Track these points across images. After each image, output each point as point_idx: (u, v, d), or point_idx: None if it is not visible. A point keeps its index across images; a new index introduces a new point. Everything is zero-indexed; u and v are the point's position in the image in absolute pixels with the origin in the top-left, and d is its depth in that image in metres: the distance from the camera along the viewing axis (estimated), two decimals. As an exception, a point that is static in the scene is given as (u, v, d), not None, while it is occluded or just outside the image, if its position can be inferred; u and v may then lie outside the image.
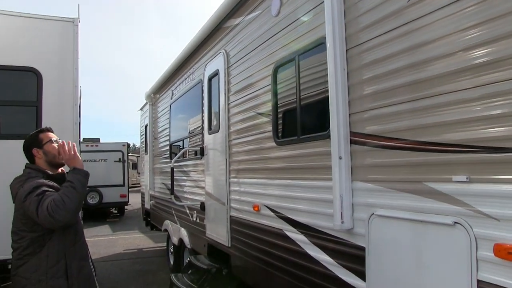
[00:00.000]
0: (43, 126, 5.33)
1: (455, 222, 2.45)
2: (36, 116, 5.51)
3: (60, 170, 3.53)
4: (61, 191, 3.12)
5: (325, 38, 3.53)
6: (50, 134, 3.55)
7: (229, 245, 5.63)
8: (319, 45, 3.70)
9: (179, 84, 8.49)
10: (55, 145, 3.45)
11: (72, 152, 3.35)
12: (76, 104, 5.60)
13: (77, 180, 3.20)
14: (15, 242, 3.24)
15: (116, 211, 20.40)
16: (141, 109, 13.10)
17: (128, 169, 19.04)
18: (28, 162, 3.48)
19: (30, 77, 5.51)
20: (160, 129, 10.27)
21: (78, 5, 5.64)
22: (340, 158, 3.27)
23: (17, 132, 5.54)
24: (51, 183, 3.26)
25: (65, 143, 3.39)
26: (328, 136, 3.51)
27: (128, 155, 19.48)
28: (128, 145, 19.85)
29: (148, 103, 11.14)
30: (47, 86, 5.53)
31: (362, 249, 3.15)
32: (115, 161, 18.10)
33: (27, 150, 3.47)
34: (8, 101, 5.51)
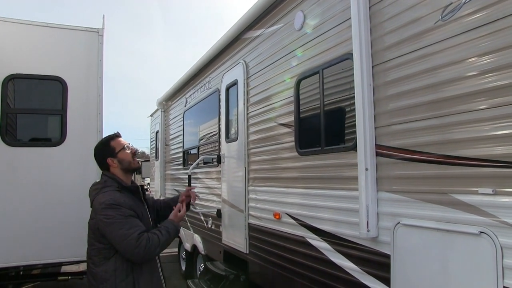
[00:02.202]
0: (69, 134, 5.54)
1: (481, 232, 2.59)
2: (61, 124, 5.68)
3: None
4: (159, 232, 3.27)
5: (350, 53, 3.70)
6: (122, 140, 3.54)
7: (247, 252, 5.77)
8: (345, 60, 3.86)
9: (194, 92, 8.66)
10: (128, 151, 3.48)
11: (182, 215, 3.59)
12: (100, 113, 5.77)
13: (173, 233, 3.40)
14: (88, 247, 3.39)
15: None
16: (151, 115, 13.25)
17: (135, 174, 19.14)
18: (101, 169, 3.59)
19: (56, 86, 5.68)
20: (172, 136, 10.43)
21: (104, 15, 5.84)
22: (366, 169, 3.42)
23: (43, 139, 5.73)
24: (127, 199, 3.30)
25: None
26: (353, 148, 3.67)
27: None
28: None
29: (160, 109, 11.29)
30: (72, 95, 5.70)
31: (387, 256, 3.30)
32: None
33: (101, 160, 3.50)
34: (35, 109, 5.68)
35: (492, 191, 2.54)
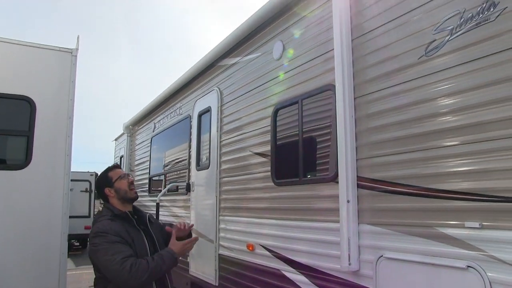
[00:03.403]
0: (35, 157, 5.30)
1: (468, 266, 2.58)
2: (27, 146, 5.42)
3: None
4: (150, 258, 3.23)
5: (331, 84, 3.71)
6: (119, 170, 3.64)
7: (217, 284, 5.62)
8: (326, 91, 3.86)
9: (163, 118, 8.54)
10: (125, 180, 3.54)
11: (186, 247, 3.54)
12: (69, 136, 5.54)
13: (169, 261, 3.32)
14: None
15: (78, 244, 19.78)
16: (116, 139, 13.01)
17: (94, 200, 18.64)
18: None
19: (24, 106, 5.44)
20: (138, 161, 10.22)
21: (78, 36, 5.66)
22: (348, 201, 3.38)
23: (4, 161, 5.47)
24: (117, 226, 3.30)
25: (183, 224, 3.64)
26: (333, 179, 3.64)
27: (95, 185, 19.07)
28: (96, 174, 19.48)
29: (126, 134, 11.09)
30: (40, 116, 5.44)
31: (370, 291, 3.25)
32: (81, 191, 17.72)
33: (100, 191, 3.58)
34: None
35: (479, 225, 2.54)
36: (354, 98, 3.51)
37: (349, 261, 3.35)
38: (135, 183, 3.76)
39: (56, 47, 5.61)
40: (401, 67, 3.10)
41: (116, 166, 3.75)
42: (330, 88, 3.78)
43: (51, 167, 5.41)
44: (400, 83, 3.11)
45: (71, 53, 5.64)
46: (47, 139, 5.44)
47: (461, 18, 2.65)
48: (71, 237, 17.97)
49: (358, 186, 3.42)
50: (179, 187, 7.36)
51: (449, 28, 2.72)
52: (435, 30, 2.82)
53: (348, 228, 3.38)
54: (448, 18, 2.74)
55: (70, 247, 19.24)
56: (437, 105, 2.82)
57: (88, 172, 18.52)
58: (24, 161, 5.33)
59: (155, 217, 4.11)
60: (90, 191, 18.07)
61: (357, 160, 3.45)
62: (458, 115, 2.69)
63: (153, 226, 3.68)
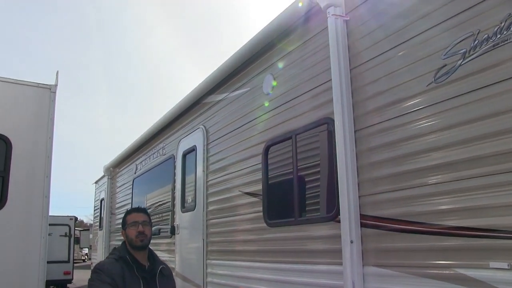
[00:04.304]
0: (11, 198, 4.94)
1: (493, 313, 2.33)
2: (1, 186, 5.06)
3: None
4: None
5: (329, 117, 3.52)
6: (134, 215, 3.55)
7: (205, 333, 5.25)
8: (322, 125, 3.66)
9: (145, 159, 8.26)
10: (134, 229, 3.41)
11: None
12: (48, 176, 5.21)
13: None
14: None
15: (56, 290, 18.99)
16: (96, 182, 12.63)
17: (74, 244, 18.00)
18: None
19: (-1, 144, 5.12)
20: (119, 204, 9.86)
21: (57, 71, 5.39)
22: (351, 241, 3.13)
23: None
24: (115, 268, 3.24)
25: None
26: (333, 218, 3.41)
27: (75, 229, 18.47)
28: (76, 218, 18.89)
29: (107, 176, 10.74)
30: (16, 155, 5.09)
31: None
32: (60, 235, 17.07)
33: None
34: (-28, 169, 5.06)
35: (508, 265, 2.29)
36: (355, 131, 3.31)
37: (354, 307, 3.08)
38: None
39: (34, 83, 5.33)
40: (407, 96, 2.91)
41: (135, 210, 3.71)
42: (327, 121, 3.58)
43: (27, 209, 5.05)
44: (406, 113, 2.92)
45: (50, 89, 5.36)
46: (24, 180, 5.09)
47: (475, 40, 2.48)
48: (49, 283, 17.16)
49: (361, 225, 3.18)
50: (162, 230, 7.03)
51: (462, 51, 2.55)
52: (444, 55, 2.65)
53: (352, 271, 3.11)
54: (460, 41, 2.57)
55: (47, 295, 18.44)
56: (450, 135, 2.63)
57: (68, 216, 17.94)
58: (-1, 202, 4.97)
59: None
60: (70, 236, 17.42)
61: (359, 197, 3.22)
62: (475, 145, 2.49)
63: (164, 280, 3.52)
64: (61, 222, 17.33)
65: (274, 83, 4.35)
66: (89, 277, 3.25)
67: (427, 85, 2.77)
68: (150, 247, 3.42)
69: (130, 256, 3.40)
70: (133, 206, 8.58)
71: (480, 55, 2.46)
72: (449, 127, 2.64)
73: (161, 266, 3.49)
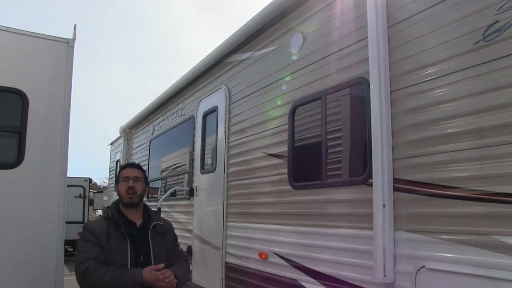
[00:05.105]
0: (28, 155, 4.86)
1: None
2: (19, 143, 4.97)
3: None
4: (111, 270, 3.09)
5: (362, 77, 3.39)
6: (127, 170, 3.53)
7: (223, 293, 5.24)
8: (355, 85, 3.51)
9: (163, 120, 8.17)
10: (125, 184, 3.42)
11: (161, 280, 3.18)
12: (66, 134, 5.11)
13: (128, 283, 3.08)
14: None
15: (72, 249, 19.30)
16: (111, 144, 12.61)
17: (88, 206, 18.19)
18: None
19: (15, 99, 4.99)
20: (136, 166, 9.82)
21: (75, 25, 5.21)
22: (384, 206, 3.03)
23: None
24: (100, 227, 3.28)
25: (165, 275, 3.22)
26: (364, 182, 3.30)
27: (89, 191, 18.65)
28: (90, 180, 19.05)
29: (123, 137, 10.70)
30: (33, 112, 4.97)
31: (406, 305, 2.89)
32: (75, 196, 17.22)
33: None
34: (-14, 124, 4.95)
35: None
36: (391, 92, 3.17)
37: (384, 272, 2.99)
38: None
39: (51, 36, 5.15)
40: (450, 55, 2.75)
41: (129, 165, 3.67)
42: (360, 81, 3.44)
43: (45, 167, 4.97)
44: (447, 74, 2.77)
45: (67, 43, 5.19)
46: (41, 137, 4.98)
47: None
48: (64, 243, 17.45)
49: (394, 189, 3.07)
50: (180, 192, 6.99)
51: (518, 6, 2.38)
52: (497, 10, 2.48)
53: (384, 236, 3.02)
54: (517, -6, 2.40)
55: (64, 253, 18.73)
56: (497, 96, 2.48)
57: (82, 178, 18.07)
58: (15, 159, 4.88)
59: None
60: (84, 197, 17.60)
61: (393, 160, 3.10)
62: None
63: (159, 237, 3.47)
64: (75, 183, 17.47)
65: (303, 42, 4.18)
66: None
67: (474, 44, 2.61)
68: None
69: (118, 214, 3.39)
70: (149, 168, 8.56)
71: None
72: (496, 89, 2.49)
73: (154, 223, 3.45)
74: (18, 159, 4.86)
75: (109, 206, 3.49)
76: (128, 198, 3.39)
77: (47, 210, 4.86)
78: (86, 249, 3.17)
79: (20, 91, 4.93)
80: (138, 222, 3.46)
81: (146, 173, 8.51)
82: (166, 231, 3.55)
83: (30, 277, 4.60)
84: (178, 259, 3.58)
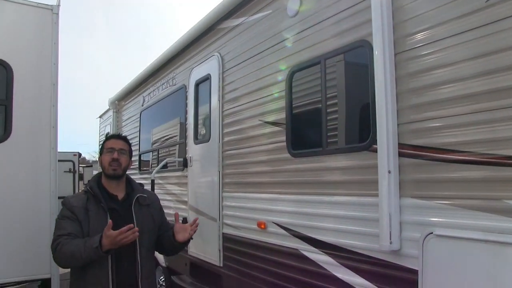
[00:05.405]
0: (16, 128, 4.69)
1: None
2: (5, 116, 4.78)
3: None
4: (76, 242, 3.00)
5: (363, 40, 3.27)
6: (112, 141, 3.43)
7: (221, 265, 5.19)
8: (356, 48, 3.39)
9: (153, 90, 7.99)
10: (108, 155, 3.29)
11: (120, 237, 2.94)
12: (54, 105, 4.93)
13: (89, 251, 2.94)
14: None
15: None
16: (100, 116, 12.41)
17: (78, 181, 18.00)
18: None
19: (-1, 71, 4.78)
20: (127, 138, 9.66)
21: None
22: (389, 172, 2.95)
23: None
24: (78, 201, 3.19)
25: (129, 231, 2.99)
26: (367, 148, 3.22)
27: (79, 166, 18.44)
28: (80, 154, 18.83)
29: (112, 110, 10.50)
30: (19, 83, 4.76)
31: (413, 272, 2.83)
32: (65, 171, 17.01)
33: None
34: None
35: None
36: (395, 55, 3.05)
37: (390, 239, 2.94)
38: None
39: (34, 2, 4.90)
40: (459, 14, 2.64)
41: (115, 136, 3.58)
42: (362, 44, 3.32)
43: (35, 140, 4.82)
44: (455, 34, 2.65)
45: (52, 10, 4.96)
46: (29, 109, 4.81)
47: None
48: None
49: (400, 154, 2.99)
50: (172, 163, 6.89)
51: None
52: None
53: (389, 202, 2.95)
54: None
55: (53, 228, 18.61)
56: (505, 58, 2.38)
57: (71, 152, 17.85)
58: (2, 133, 4.72)
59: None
60: (74, 172, 17.40)
61: (398, 125, 3.01)
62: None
63: (144, 209, 3.36)
64: (65, 158, 17.19)
65: (300, 4, 4.02)
66: None
67: (486, 1, 2.50)
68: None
69: (98, 187, 3.27)
70: (140, 140, 8.42)
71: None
72: (507, 49, 2.39)
73: (137, 195, 3.33)
74: (5, 133, 4.71)
75: (89, 179, 3.37)
76: (112, 170, 3.27)
77: (39, 186, 4.74)
78: (62, 225, 3.10)
79: (3, 61, 4.74)
80: (120, 196, 3.35)
81: (138, 146, 8.43)
82: (150, 204, 3.45)
83: (23, 254, 4.50)
84: (167, 230, 3.49)
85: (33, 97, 4.90)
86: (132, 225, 3.01)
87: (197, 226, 3.41)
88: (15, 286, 4.84)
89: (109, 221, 3.00)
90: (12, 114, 4.76)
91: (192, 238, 3.41)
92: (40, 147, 4.85)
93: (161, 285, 7.07)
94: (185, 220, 6.02)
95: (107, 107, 11.02)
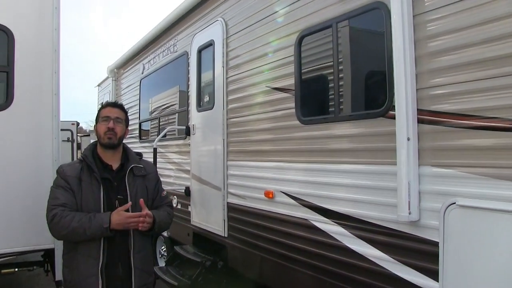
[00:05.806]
0: (18, 95, 4.53)
1: None
2: (6, 83, 4.62)
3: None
4: (79, 216, 2.94)
5: (378, 1, 3.11)
6: (108, 109, 3.27)
7: (226, 235, 5.11)
8: (371, 10, 3.21)
9: (154, 57, 7.79)
10: (104, 124, 3.17)
11: (129, 221, 2.98)
12: (56, 72, 4.76)
13: (95, 228, 2.91)
14: None
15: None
16: (99, 85, 12.20)
17: (76, 150, 17.88)
18: None
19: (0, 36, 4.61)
20: (125, 107, 9.49)
21: None
22: (408, 139, 2.82)
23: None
24: (72, 170, 3.10)
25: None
26: (383, 114, 3.08)
27: (77, 135, 18.29)
28: (78, 124, 18.66)
29: (111, 78, 10.30)
30: (20, 49, 4.58)
31: (433, 244, 2.73)
32: (63, 140, 16.87)
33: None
34: (-30, 64, 4.58)
35: None
36: (413, 16, 2.88)
37: (408, 209, 2.82)
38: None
39: None
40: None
41: (111, 104, 3.40)
42: (376, 6, 3.14)
43: (37, 108, 4.66)
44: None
45: None
46: (31, 75, 4.63)
47: None
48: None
49: (419, 121, 2.85)
50: (171, 132, 6.75)
51: None
52: None
53: (408, 171, 2.82)
54: None
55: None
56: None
57: (70, 121, 17.68)
58: (4, 101, 4.57)
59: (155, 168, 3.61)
60: (72, 141, 17.26)
61: (417, 90, 2.86)
62: None
63: (138, 180, 3.24)
64: (63, 127, 16.96)
65: (311, -36, 3.83)
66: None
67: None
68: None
69: (93, 156, 3.19)
70: (141, 109, 8.27)
71: None
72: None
73: (132, 165, 3.21)
74: (7, 101, 4.56)
75: (88, 148, 3.27)
76: (107, 139, 3.15)
77: (41, 154, 4.60)
78: (56, 195, 3.04)
79: (4, 26, 4.56)
80: (115, 165, 3.22)
81: (138, 115, 8.27)
82: (146, 174, 3.30)
83: (25, 223, 4.40)
84: (160, 204, 3.36)
85: (35, 64, 4.72)
86: (144, 213, 3.01)
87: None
88: (17, 257, 4.76)
89: (129, 202, 3.02)
90: (14, 80, 4.59)
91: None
92: (42, 114, 4.69)
93: (162, 255, 7.03)
94: (187, 190, 5.95)
95: (106, 75, 10.81)
